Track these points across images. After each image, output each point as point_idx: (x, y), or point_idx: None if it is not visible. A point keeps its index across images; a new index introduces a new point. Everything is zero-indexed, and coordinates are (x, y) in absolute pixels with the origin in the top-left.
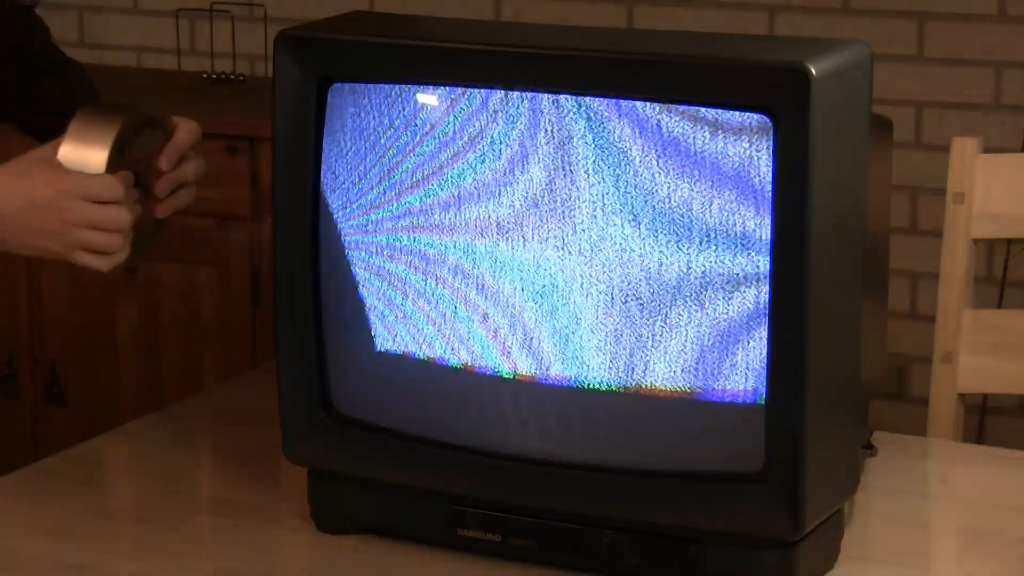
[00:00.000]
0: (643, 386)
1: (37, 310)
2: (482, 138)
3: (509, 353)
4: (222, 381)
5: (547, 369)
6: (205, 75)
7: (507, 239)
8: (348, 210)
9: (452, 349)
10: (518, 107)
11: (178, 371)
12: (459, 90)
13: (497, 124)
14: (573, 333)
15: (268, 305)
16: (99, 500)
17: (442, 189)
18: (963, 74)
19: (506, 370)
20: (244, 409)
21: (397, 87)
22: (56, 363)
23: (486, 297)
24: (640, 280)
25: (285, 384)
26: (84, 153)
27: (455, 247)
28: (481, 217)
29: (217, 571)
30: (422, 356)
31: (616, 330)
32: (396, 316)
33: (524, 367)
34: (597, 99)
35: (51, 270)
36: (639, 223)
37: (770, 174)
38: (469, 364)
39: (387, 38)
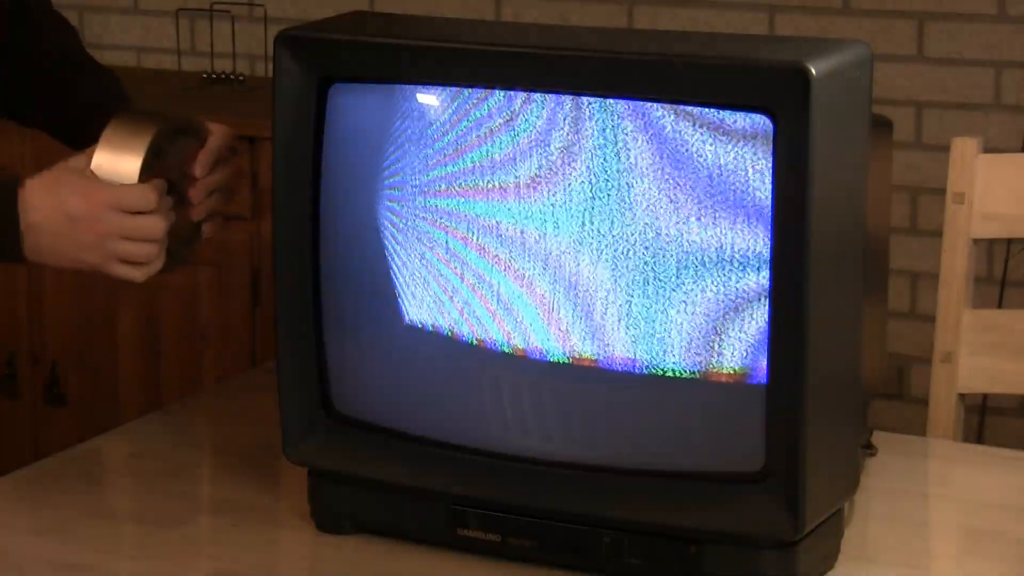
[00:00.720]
0: (639, 391)
1: (37, 310)
2: (483, 138)
3: (510, 351)
4: (222, 381)
5: (544, 370)
6: (205, 75)
7: (510, 237)
8: (348, 210)
9: (454, 349)
10: (519, 107)
11: (178, 371)
12: (459, 90)
13: (499, 124)
14: (572, 337)
15: (268, 305)
16: (99, 500)
17: (442, 188)
18: (963, 74)
19: (507, 370)
20: (244, 409)
21: (397, 87)
22: (56, 363)
23: (488, 296)
24: (638, 282)
25: (285, 384)
26: (117, 162)
27: (457, 244)
28: (482, 215)
29: (217, 571)
30: (423, 356)
31: (616, 333)
32: (397, 315)
33: (526, 367)
34: (596, 99)
35: (51, 270)
36: (637, 225)
37: (770, 174)
38: (470, 364)
39: (387, 38)
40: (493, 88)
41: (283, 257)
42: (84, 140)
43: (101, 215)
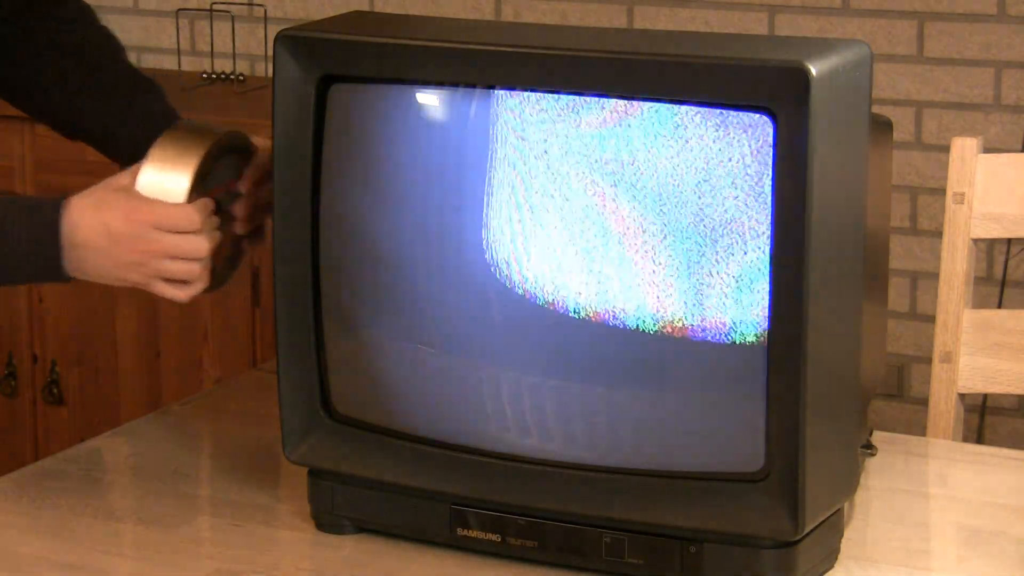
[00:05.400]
0: (639, 389)
1: (37, 310)
2: (483, 137)
3: (510, 351)
4: (222, 381)
5: (544, 369)
6: (205, 75)
7: (510, 237)
8: (348, 210)
9: (455, 349)
10: (519, 106)
11: (178, 371)
12: (459, 90)
13: (498, 124)
14: (571, 335)
15: (268, 305)
16: (99, 500)
17: (443, 188)
18: (963, 74)
19: (508, 369)
20: (244, 409)
21: (397, 87)
22: (56, 363)
23: (489, 295)
24: (636, 282)
25: (285, 384)
26: (165, 181)
27: (459, 246)
28: (483, 215)
29: (217, 571)
30: (423, 356)
31: (614, 333)
32: (397, 315)
33: (526, 367)
34: (597, 98)
35: None
36: (636, 225)
37: (770, 174)
38: (472, 363)
39: (387, 38)
40: (493, 88)
41: (283, 257)
42: (130, 154)
43: (144, 234)
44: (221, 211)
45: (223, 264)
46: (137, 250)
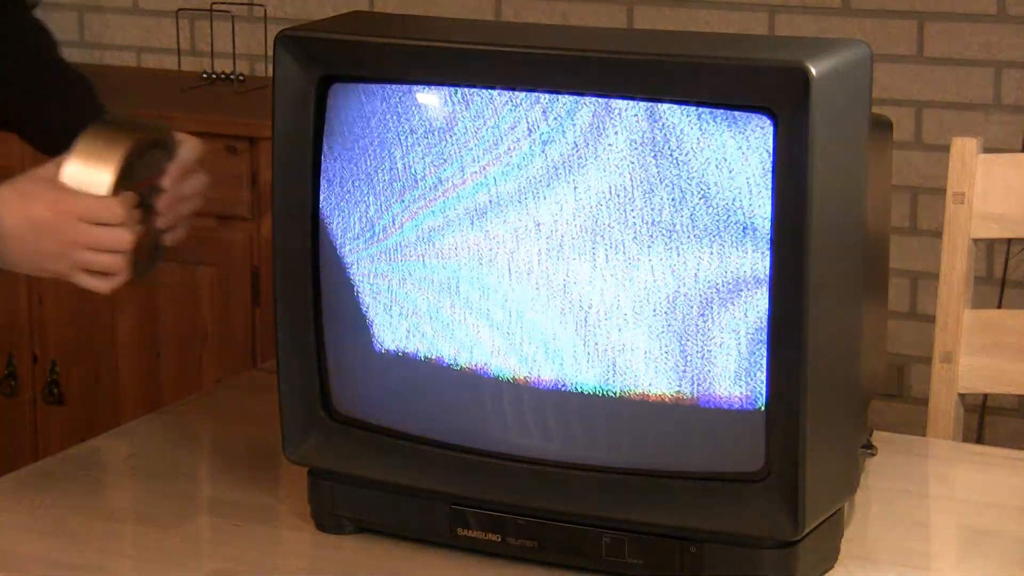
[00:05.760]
0: (640, 392)
1: (37, 310)
2: (483, 138)
3: (507, 355)
4: (222, 381)
5: (542, 373)
6: (205, 75)
7: (509, 239)
8: (348, 210)
9: (453, 350)
10: (519, 107)
11: (178, 371)
12: (459, 90)
13: (498, 124)
14: (571, 338)
15: (268, 305)
16: (99, 500)
17: (442, 189)
18: (963, 74)
19: (505, 373)
20: (244, 409)
21: (397, 87)
22: (56, 363)
23: (488, 299)
24: (638, 284)
25: (285, 384)
26: (89, 174)
27: (458, 248)
28: (482, 216)
29: (217, 571)
30: (422, 356)
31: (616, 336)
32: (397, 316)
33: (523, 370)
34: (597, 99)
35: None
36: (638, 225)
37: (770, 174)
38: (469, 366)
39: (387, 38)
40: (493, 88)
41: (283, 257)
42: (56, 147)
43: (67, 225)
44: (144, 205)
45: (144, 257)
46: (60, 241)
